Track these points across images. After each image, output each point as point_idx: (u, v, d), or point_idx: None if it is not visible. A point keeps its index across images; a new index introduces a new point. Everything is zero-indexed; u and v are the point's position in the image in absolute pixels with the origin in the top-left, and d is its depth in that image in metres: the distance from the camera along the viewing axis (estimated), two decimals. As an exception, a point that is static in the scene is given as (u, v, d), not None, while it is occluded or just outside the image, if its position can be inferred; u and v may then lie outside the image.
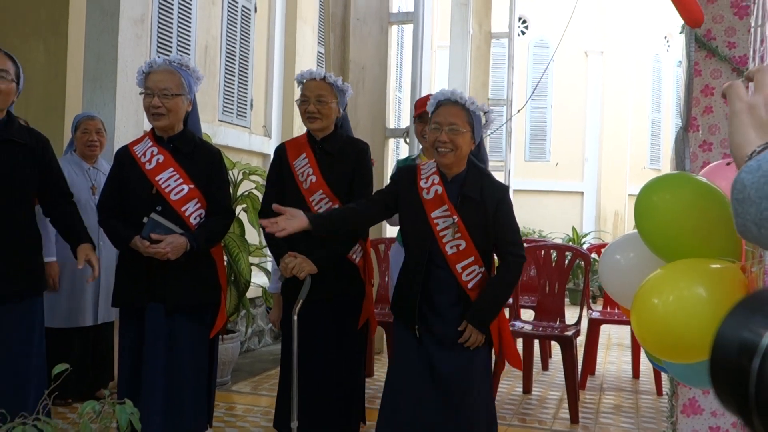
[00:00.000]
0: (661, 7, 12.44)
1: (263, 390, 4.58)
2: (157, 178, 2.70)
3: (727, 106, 0.94)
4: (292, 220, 2.48)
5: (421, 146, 3.92)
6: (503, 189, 2.70)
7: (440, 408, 2.58)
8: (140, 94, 2.79)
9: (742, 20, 3.17)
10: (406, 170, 2.76)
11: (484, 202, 2.60)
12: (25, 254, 2.59)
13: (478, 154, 2.73)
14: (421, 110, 3.74)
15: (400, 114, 10.31)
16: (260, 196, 4.59)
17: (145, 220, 2.66)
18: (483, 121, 2.66)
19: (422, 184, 2.65)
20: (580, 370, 4.68)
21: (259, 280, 4.88)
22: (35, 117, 4.19)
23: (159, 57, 2.80)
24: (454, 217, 2.58)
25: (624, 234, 2.08)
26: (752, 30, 1.83)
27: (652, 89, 13.06)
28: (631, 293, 1.76)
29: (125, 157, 2.80)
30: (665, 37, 12.96)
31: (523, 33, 12.85)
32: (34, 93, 4.49)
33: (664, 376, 4.64)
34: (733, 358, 0.72)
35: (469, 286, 2.61)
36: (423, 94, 5.57)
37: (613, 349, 6.49)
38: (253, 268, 4.57)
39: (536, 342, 5.17)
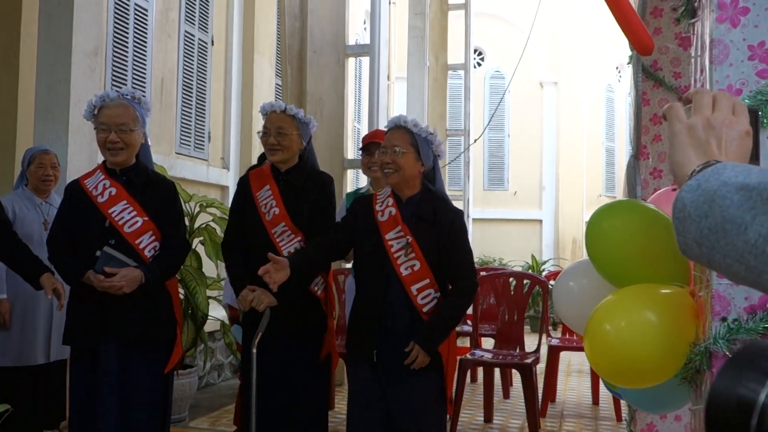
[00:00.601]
0: (613, 39, 12.80)
1: (221, 425, 4.48)
2: (110, 211, 2.66)
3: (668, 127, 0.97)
4: (281, 272, 2.55)
5: (368, 179, 3.97)
6: (457, 212, 2.74)
7: None
8: (95, 128, 2.75)
9: (686, 51, 3.29)
10: (363, 199, 2.84)
11: (437, 223, 2.65)
12: None
13: (434, 178, 2.78)
14: (367, 142, 3.84)
15: (358, 145, 10.34)
16: (218, 229, 4.55)
17: (98, 253, 2.61)
18: (432, 143, 2.71)
19: (377, 207, 2.72)
20: (540, 397, 4.70)
21: (217, 313, 4.80)
22: (-16, 151, 4.10)
23: (112, 90, 2.77)
24: (408, 237, 2.62)
25: (577, 261, 2.11)
26: (692, 60, 1.90)
27: (606, 118, 13.39)
28: (584, 319, 1.78)
29: (76, 190, 2.75)
30: (617, 68, 13.35)
31: (479, 64, 13.09)
32: (-16, 126, 4.40)
33: (623, 401, 4.68)
34: (731, 415, 0.71)
35: (425, 309, 2.61)
36: (381, 125, 5.62)
37: (573, 376, 6.54)
38: (210, 301, 4.51)
39: (497, 370, 5.18)
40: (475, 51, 12.90)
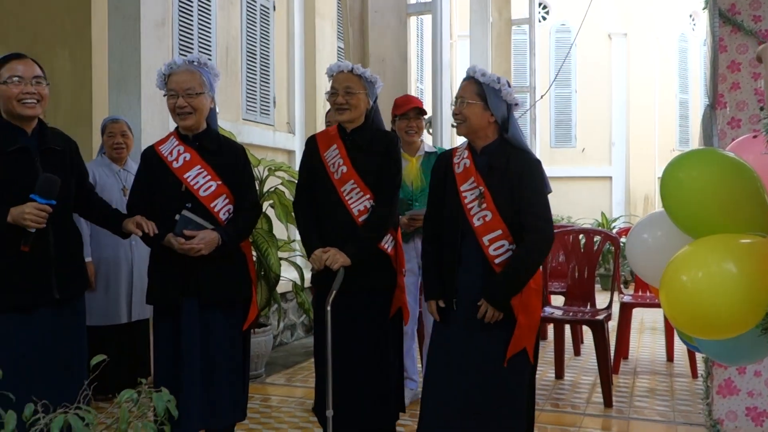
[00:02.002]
0: (685, -15, 12.24)
1: (297, 382, 4.63)
2: (185, 176, 2.75)
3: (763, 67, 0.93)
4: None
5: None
6: (531, 161, 2.71)
7: (474, 392, 2.63)
8: (165, 95, 2.83)
9: (767, -8, 3.12)
10: (444, 155, 2.90)
11: (509, 171, 2.64)
12: (73, 257, 2.66)
13: (508, 126, 2.73)
14: (403, 109, 3.97)
15: (425, 105, 10.29)
16: (286, 192, 4.64)
17: (177, 217, 2.71)
18: (503, 93, 2.68)
19: (455, 160, 2.77)
20: (612, 354, 4.65)
21: (288, 274, 4.92)
22: (64, 123, 4.27)
23: (179, 57, 2.84)
24: (481, 187, 2.64)
25: (650, 213, 2.06)
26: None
27: (679, 69, 12.84)
28: (659, 272, 1.75)
29: (152, 157, 2.85)
30: (690, 15, 12.74)
31: (544, 18, 12.72)
32: (62, 100, 4.58)
33: (698, 357, 4.59)
34: None
35: (497, 261, 2.62)
36: (444, 85, 5.57)
37: (646, 333, 6.43)
38: (282, 262, 4.62)
39: (567, 328, 5.15)
40: (540, 4, 12.54)
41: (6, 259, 2.49)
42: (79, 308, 2.69)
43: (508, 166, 2.65)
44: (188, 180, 2.74)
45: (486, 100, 2.66)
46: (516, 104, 2.76)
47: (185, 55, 5.42)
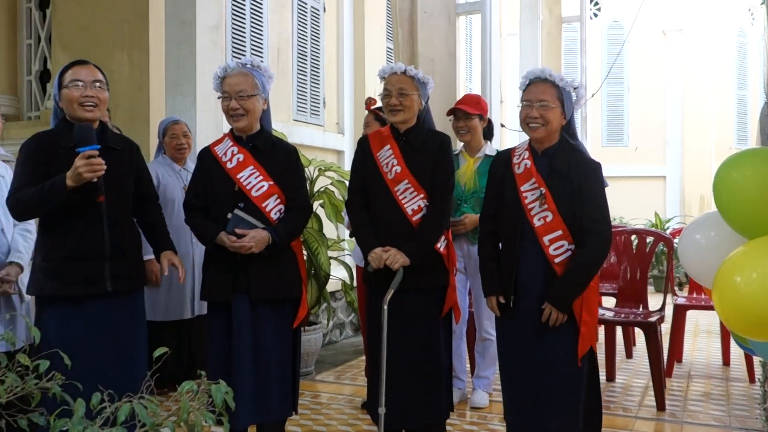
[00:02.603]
0: (744, -21, 11.89)
1: (346, 379, 4.69)
2: (238, 176, 2.82)
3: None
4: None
5: (461, 144, 4.04)
6: (593, 164, 2.76)
7: (545, 391, 2.70)
8: (218, 98, 2.91)
9: (829, -15, 3.03)
10: (502, 156, 2.91)
11: (570, 174, 2.69)
12: (131, 252, 2.75)
13: (569, 129, 2.79)
14: (451, 109, 3.93)
15: (471, 105, 10.26)
16: (336, 192, 4.70)
17: (229, 216, 2.78)
18: (573, 96, 2.75)
19: (515, 160, 2.80)
20: (666, 357, 4.56)
21: (338, 273, 4.99)
22: (123, 124, 4.43)
23: (232, 61, 2.91)
24: (542, 189, 2.69)
25: (704, 213, 2.04)
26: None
27: (737, 66, 12.48)
28: (712, 272, 1.73)
29: (207, 157, 2.94)
30: (749, 10, 12.36)
31: (596, 15, 12.53)
32: (121, 102, 4.75)
33: (756, 361, 4.47)
34: None
35: (557, 260, 2.68)
36: (493, 84, 5.55)
37: (702, 336, 6.28)
38: (332, 261, 4.68)
39: (619, 329, 5.08)
40: (591, 1, 12.35)
41: (61, 250, 2.60)
42: (135, 302, 2.78)
43: (570, 168, 2.70)
44: (241, 180, 2.81)
45: (563, 104, 2.71)
46: (578, 108, 2.83)
47: (238, 58, 5.55)
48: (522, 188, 2.73)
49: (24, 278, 2.96)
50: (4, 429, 1.30)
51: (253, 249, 2.74)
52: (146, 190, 2.88)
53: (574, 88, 2.74)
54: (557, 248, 2.68)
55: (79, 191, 2.52)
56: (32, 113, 5.69)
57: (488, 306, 2.88)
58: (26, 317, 2.63)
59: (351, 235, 3.72)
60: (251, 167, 2.83)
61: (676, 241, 5.29)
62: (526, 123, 2.73)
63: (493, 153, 4.02)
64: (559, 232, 2.67)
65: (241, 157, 2.85)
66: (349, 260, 5.44)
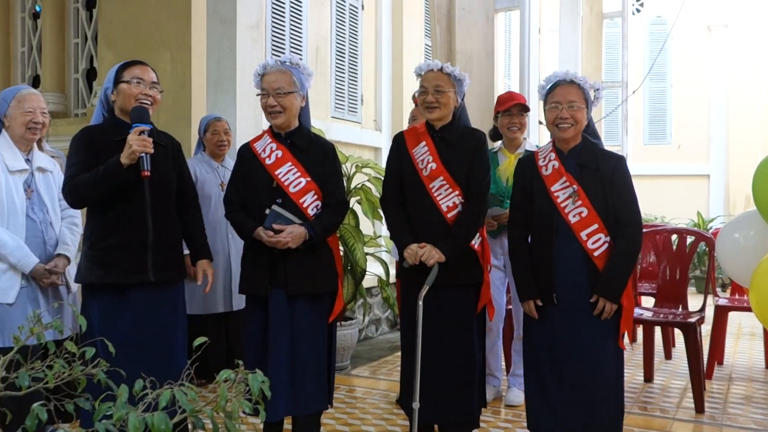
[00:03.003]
0: (793, -28, 11.55)
1: (381, 374, 4.72)
2: (276, 172, 2.87)
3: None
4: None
5: (499, 142, 4.04)
6: (618, 158, 2.89)
7: (584, 381, 2.78)
8: (257, 95, 2.97)
9: None
10: (525, 160, 3.00)
11: (599, 169, 2.81)
12: (171, 245, 2.83)
13: (588, 129, 2.91)
14: (506, 105, 3.87)
15: (510, 102, 10.19)
16: (373, 189, 4.73)
17: (267, 212, 2.83)
18: (592, 97, 2.88)
19: (540, 163, 2.90)
20: (706, 359, 4.49)
21: (375, 269, 5.02)
22: (166, 121, 4.52)
23: (272, 59, 2.96)
24: (574, 186, 2.79)
25: (743, 212, 2.01)
26: None
27: (785, 61, 12.15)
28: (750, 272, 1.71)
29: (247, 153, 2.99)
30: (798, 5, 12.02)
31: (638, 11, 12.33)
32: (164, 99, 4.78)
33: (800, 365, 4.37)
34: None
35: (596, 254, 2.78)
36: (532, 81, 5.52)
37: (744, 339, 6.15)
38: (368, 257, 4.72)
39: (657, 330, 5.01)
40: (634, -4, 12.16)
41: (107, 239, 2.70)
42: (176, 294, 2.86)
43: (598, 164, 2.81)
44: (279, 176, 2.86)
45: (588, 105, 2.85)
46: (594, 105, 2.94)
47: (278, 56, 5.62)
48: (552, 188, 2.83)
49: (71, 270, 3.06)
50: (53, 412, 1.36)
51: (289, 244, 2.79)
52: (186, 187, 2.95)
53: (594, 90, 2.87)
54: (595, 242, 2.77)
55: (132, 169, 2.62)
56: (79, 110, 5.86)
57: (525, 310, 2.92)
58: (73, 306, 2.73)
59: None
60: (289, 163, 2.87)
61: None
62: (555, 124, 2.83)
63: (533, 148, 4.01)
64: (596, 226, 2.77)
65: (279, 153, 2.89)
66: (385, 256, 5.47)
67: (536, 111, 5.50)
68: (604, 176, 2.79)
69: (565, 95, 2.80)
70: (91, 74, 5.80)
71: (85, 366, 1.51)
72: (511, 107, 3.87)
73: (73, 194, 2.69)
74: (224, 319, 4.28)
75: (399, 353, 4.57)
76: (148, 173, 2.61)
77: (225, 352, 4.28)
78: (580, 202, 2.77)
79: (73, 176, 2.68)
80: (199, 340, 1.45)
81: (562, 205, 2.79)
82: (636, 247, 2.82)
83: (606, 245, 2.77)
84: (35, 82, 6.04)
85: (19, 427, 1.37)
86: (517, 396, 3.97)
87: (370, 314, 6.10)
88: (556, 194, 2.81)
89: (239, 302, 4.19)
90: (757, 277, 1.62)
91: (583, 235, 2.77)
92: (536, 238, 2.89)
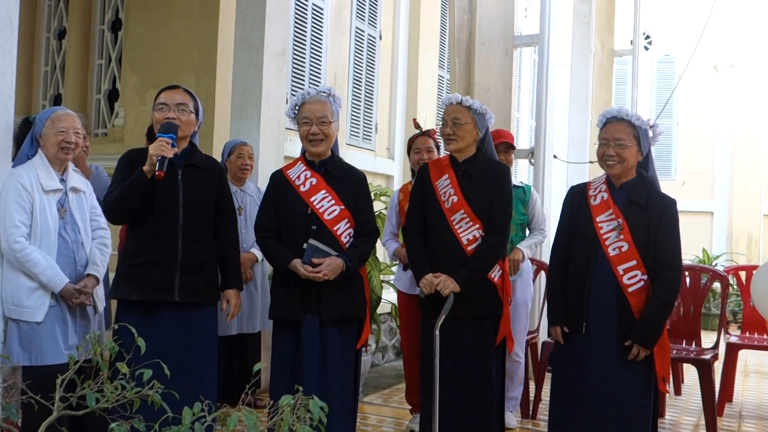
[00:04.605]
0: (799, 15, 11.73)
1: (393, 402, 4.73)
2: (311, 199, 2.92)
3: None
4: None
5: None
6: (670, 200, 2.87)
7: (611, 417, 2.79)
8: (294, 121, 3.02)
9: None
10: (577, 189, 3.03)
11: (648, 207, 2.79)
12: (206, 267, 2.87)
13: (646, 164, 2.90)
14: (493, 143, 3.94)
15: (518, 134, 10.30)
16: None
17: (304, 246, 2.87)
18: (650, 134, 2.86)
19: (590, 193, 2.92)
20: (717, 396, 4.50)
21: (389, 297, 5.05)
22: (188, 144, 4.58)
23: (312, 88, 3.03)
24: (619, 219, 2.79)
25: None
26: None
27: (790, 103, 12.29)
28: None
29: (280, 180, 3.04)
30: (804, 47, 12.20)
31: (647, 48, 12.50)
32: (186, 122, 4.92)
33: (812, 405, 4.38)
34: None
35: (630, 290, 2.76)
36: (548, 115, 5.60)
37: (752, 377, 6.16)
38: (384, 285, 4.75)
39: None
40: (643, 34, 12.33)
41: (138, 257, 2.79)
42: (206, 316, 2.88)
43: (648, 202, 2.81)
44: (314, 203, 2.91)
45: (639, 142, 2.82)
46: (653, 144, 2.92)
47: (297, 83, 5.70)
48: (598, 219, 2.84)
49: (99, 291, 3.09)
50: (114, 430, 1.39)
51: (327, 276, 2.83)
52: (225, 211, 2.98)
53: (650, 127, 2.85)
54: (631, 278, 2.77)
55: (155, 178, 2.69)
56: (99, 130, 5.92)
57: (552, 334, 2.95)
58: (96, 332, 2.76)
59: (392, 261, 3.83)
60: (324, 191, 2.92)
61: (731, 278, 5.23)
62: (603, 160, 2.84)
63: (519, 185, 4.08)
64: (633, 262, 2.77)
65: (314, 181, 2.95)
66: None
67: (551, 145, 5.57)
68: (651, 215, 2.79)
69: (613, 132, 2.82)
70: (113, 95, 5.88)
71: (141, 387, 1.54)
72: (497, 145, 3.95)
73: (107, 208, 2.81)
74: (237, 342, 4.29)
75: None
76: (162, 174, 2.68)
77: (240, 376, 4.28)
78: (622, 237, 2.78)
79: (110, 192, 2.78)
80: (259, 366, 1.48)
81: (605, 236, 2.81)
82: (675, 293, 2.81)
83: (642, 283, 2.77)
84: (57, 101, 6.12)
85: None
86: (510, 419, 3.97)
87: (379, 342, 6.10)
88: (600, 225, 2.83)
89: (250, 326, 4.21)
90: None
91: (620, 269, 2.78)
92: (574, 266, 2.91)
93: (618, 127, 2.83)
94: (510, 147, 4.03)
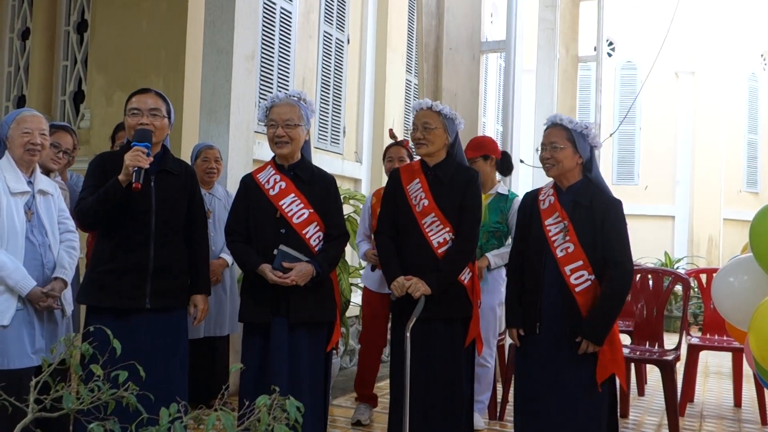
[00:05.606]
0: (757, 25, 12.09)
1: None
2: (280, 203, 2.92)
3: None
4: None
5: None
6: (614, 200, 2.94)
7: (564, 415, 2.84)
8: (263, 124, 3.03)
9: None
10: (529, 195, 3.11)
11: (593, 208, 2.87)
12: (176, 273, 2.85)
13: (590, 167, 2.97)
14: (475, 154, 4.04)
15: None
16: (359, 219, 4.80)
17: (275, 252, 2.87)
18: (587, 136, 2.93)
19: (540, 197, 3.00)
20: (678, 396, 4.61)
21: (357, 299, 5.06)
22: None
23: (282, 92, 3.05)
24: (565, 221, 2.87)
25: (736, 257, 2.13)
26: None
27: (748, 109, 12.65)
28: (745, 314, 1.82)
29: (250, 183, 3.04)
30: (762, 55, 12.58)
31: (610, 55, 12.74)
32: (154, 125, 4.87)
33: (769, 404, 4.52)
34: None
35: (577, 289, 2.83)
36: (515, 120, 5.68)
37: (712, 377, 6.32)
38: (352, 287, 4.77)
39: (632, 367, 5.12)
40: (607, 41, 12.56)
41: (109, 263, 2.76)
42: (176, 321, 2.87)
43: (592, 203, 2.88)
44: (283, 207, 2.92)
45: (575, 144, 2.89)
46: (596, 146, 2.97)
47: (266, 86, 5.68)
48: (546, 222, 2.92)
49: (67, 294, 3.05)
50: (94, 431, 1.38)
51: (296, 282, 2.83)
52: (195, 215, 2.96)
53: (585, 128, 2.92)
54: (578, 278, 2.84)
55: (130, 187, 2.66)
56: (63, 132, 5.82)
57: (509, 336, 3.02)
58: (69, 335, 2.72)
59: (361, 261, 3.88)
60: (293, 195, 2.94)
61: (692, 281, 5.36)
62: (543, 164, 2.96)
63: (506, 192, 4.11)
64: (580, 263, 2.84)
65: (283, 184, 2.95)
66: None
67: (518, 150, 5.64)
68: (596, 215, 2.87)
69: (548, 137, 2.93)
70: (78, 97, 5.80)
71: (116, 389, 1.54)
72: (479, 157, 4.05)
73: (80, 215, 2.75)
74: (205, 345, 4.26)
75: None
76: (140, 185, 2.65)
77: (207, 378, 4.25)
78: (568, 238, 2.86)
79: (82, 198, 2.73)
80: (236, 366, 1.49)
81: (553, 239, 2.89)
82: (622, 290, 2.85)
83: (588, 282, 2.84)
84: (21, 102, 6.02)
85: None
86: (478, 421, 4.02)
87: (348, 345, 6.11)
88: (548, 228, 2.91)
89: (222, 328, 4.20)
90: (756, 320, 1.73)
91: (567, 269, 2.85)
92: (528, 269, 2.99)
93: (553, 131, 2.94)
94: (486, 158, 4.05)
